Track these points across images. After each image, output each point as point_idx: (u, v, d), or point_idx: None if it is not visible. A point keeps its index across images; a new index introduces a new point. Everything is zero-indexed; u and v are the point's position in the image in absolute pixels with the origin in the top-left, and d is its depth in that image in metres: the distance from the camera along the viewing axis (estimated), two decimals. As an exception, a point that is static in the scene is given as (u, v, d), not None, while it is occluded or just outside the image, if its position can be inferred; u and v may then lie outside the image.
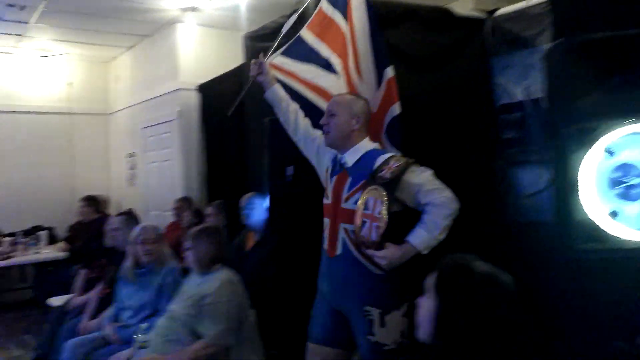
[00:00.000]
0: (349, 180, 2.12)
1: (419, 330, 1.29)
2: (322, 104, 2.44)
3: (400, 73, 2.69)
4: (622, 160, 1.82)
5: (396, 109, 2.39)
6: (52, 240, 5.95)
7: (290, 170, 2.91)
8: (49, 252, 5.49)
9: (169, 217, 5.14)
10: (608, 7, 1.90)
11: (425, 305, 1.27)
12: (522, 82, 2.68)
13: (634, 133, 1.79)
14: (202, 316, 2.48)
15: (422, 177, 1.99)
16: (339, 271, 2.15)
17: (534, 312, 1.53)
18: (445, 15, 2.94)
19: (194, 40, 5.43)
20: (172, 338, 2.52)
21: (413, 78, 2.72)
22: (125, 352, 2.70)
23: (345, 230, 2.11)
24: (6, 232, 5.82)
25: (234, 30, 4.98)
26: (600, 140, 1.80)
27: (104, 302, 3.26)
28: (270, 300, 2.71)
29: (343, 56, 2.54)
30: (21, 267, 5.83)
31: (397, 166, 1.96)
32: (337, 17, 2.60)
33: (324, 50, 2.57)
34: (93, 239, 4.37)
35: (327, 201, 2.22)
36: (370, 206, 1.95)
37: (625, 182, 1.81)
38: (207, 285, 2.53)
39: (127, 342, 2.77)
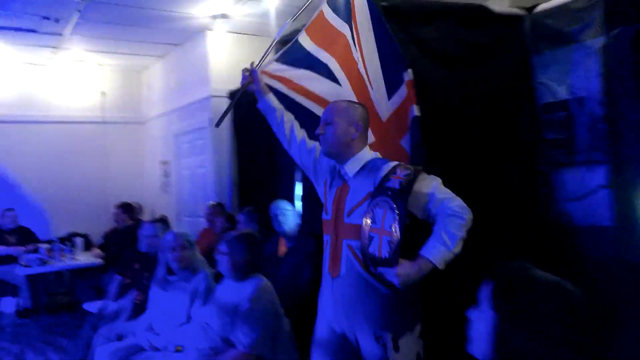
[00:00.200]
0: (351, 192, 1.99)
1: (472, 346, 1.17)
2: (319, 111, 2.35)
3: (434, 72, 2.64)
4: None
5: (415, 111, 2.26)
6: (88, 246, 6.04)
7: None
8: (84, 259, 5.56)
9: (201, 224, 5.15)
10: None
11: (480, 320, 1.15)
12: (566, 80, 2.55)
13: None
14: (237, 325, 2.44)
15: (432, 186, 1.86)
16: (344, 293, 1.97)
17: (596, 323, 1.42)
18: (481, 12, 2.84)
19: (224, 47, 5.44)
20: (205, 346, 2.49)
21: (448, 77, 2.65)
22: (159, 359, 2.68)
23: (350, 247, 1.95)
24: (43, 238, 5.95)
25: (264, 36, 4.98)
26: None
27: (138, 308, 3.26)
28: (305, 307, 2.65)
29: (347, 64, 2.44)
30: (58, 272, 5.92)
31: (406, 175, 1.82)
32: (338, 23, 2.51)
33: (323, 56, 2.47)
34: (127, 245, 4.40)
35: (326, 217, 2.09)
36: (378, 219, 1.80)
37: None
38: (242, 293, 2.48)
39: (161, 349, 2.76)
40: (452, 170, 2.55)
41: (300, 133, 2.27)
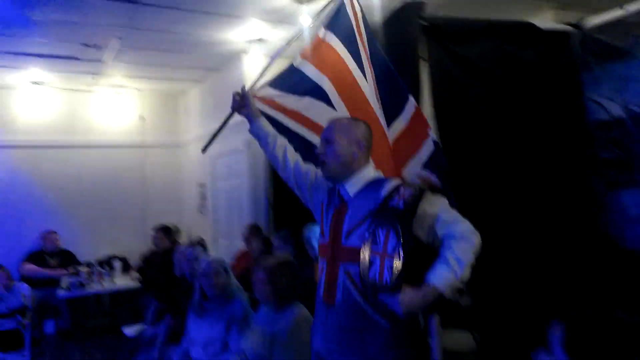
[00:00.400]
0: (350, 212, 1.85)
1: None
2: (313, 138, 2.28)
3: (479, 92, 2.56)
4: None
5: (431, 137, 2.20)
6: (126, 269, 6.08)
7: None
8: (123, 282, 5.59)
9: (238, 246, 5.12)
10: None
11: None
12: (620, 97, 2.41)
13: None
14: (274, 356, 2.35)
15: (438, 207, 1.74)
16: (338, 324, 1.81)
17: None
18: (527, 29, 2.74)
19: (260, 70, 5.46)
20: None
21: (493, 96, 2.55)
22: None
23: (347, 272, 1.80)
24: (83, 261, 6.03)
25: (299, 59, 4.97)
26: None
27: (175, 334, 3.22)
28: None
29: (343, 85, 2.35)
30: (97, 295, 5.99)
31: (411, 194, 1.71)
32: (336, 43, 2.41)
33: (319, 78, 2.38)
34: (164, 269, 4.40)
35: (323, 240, 1.96)
36: (380, 241, 1.66)
37: None
38: (280, 323, 2.40)
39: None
40: (499, 195, 2.47)
41: (294, 157, 2.16)
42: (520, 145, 2.52)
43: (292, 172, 2.13)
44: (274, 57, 2.50)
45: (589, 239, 2.46)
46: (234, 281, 3.03)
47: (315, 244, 3.27)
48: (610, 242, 2.46)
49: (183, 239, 6.57)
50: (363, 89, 2.36)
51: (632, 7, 2.37)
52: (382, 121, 2.28)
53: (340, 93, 2.36)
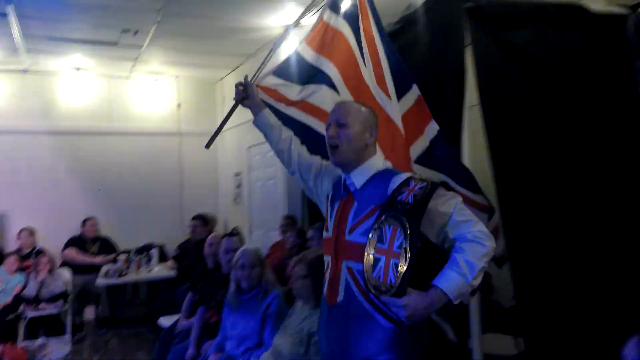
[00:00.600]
0: (355, 206, 1.74)
1: None
2: (319, 126, 2.17)
3: (524, 80, 2.41)
4: None
5: (433, 127, 2.16)
6: (162, 258, 6.10)
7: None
8: (159, 271, 5.62)
9: (273, 237, 5.04)
10: None
11: None
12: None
13: None
14: (310, 354, 2.25)
15: (450, 205, 1.61)
16: (339, 324, 1.72)
17: None
18: (578, 12, 2.51)
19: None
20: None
21: (539, 85, 2.38)
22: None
23: (349, 269, 1.70)
24: (121, 249, 6.10)
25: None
26: None
27: (210, 327, 3.15)
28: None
29: (347, 70, 2.26)
30: (134, 284, 6.05)
31: (421, 188, 1.58)
32: (341, 25, 2.32)
33: (323, 63, 2.28)
34: (200, 259, 4.36)
35: (327, 234, 1.84)
36: (386, 239, 1.54)
37: None
38: (317, 321, 2.28)
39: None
40: (548, 189, 2.29)
41: (299, 149, 2.07)
42: (570, 136, 2.34)
43: (297, 165, 2.05)
44: (276, 45, 2.40)
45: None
46: (270, 274, 2.93)
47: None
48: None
49: (219, 229, 6.57)
50: (363, 74, 2.26)
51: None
52: (389, 109, 2.18)
53: (344, 78, 2.27)
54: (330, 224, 1.83)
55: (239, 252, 2.91)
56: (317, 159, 2.02)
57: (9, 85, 6.18)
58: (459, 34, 2.52)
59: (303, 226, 4.63)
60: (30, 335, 4.93)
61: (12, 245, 5.87)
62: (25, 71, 6.15)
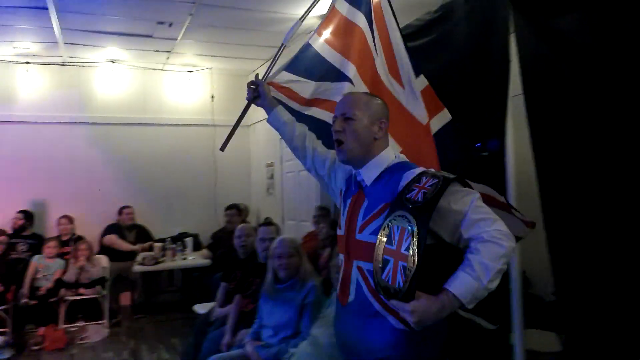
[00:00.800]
0: (366, 202, 1.66)
1: None
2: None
3: (572, 70, 2.32)
4: None
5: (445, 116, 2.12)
6: (197, 246, 6.19)
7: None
8: (194, 259, 5.70)
9: (305, 227, 5.06)
10: None
11: None
12: None
13: None
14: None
15: (465, 202, 1.50)
16: (351, 324, 1.66)
17: None
18: (629, -2, 2.41)
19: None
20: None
21: (588, 76, 2.29)
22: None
23: (360, 269, 1.63)
24: (156, 237, 6.22)
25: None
26: None
27: (246, 315, 3.19)
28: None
29: (362, 61, 2.18)
30: (169, 271, 6.16)
31: (432, 185, 1.47)
32: (358, 17, 2.23)
33: (335, 58, 2.20)
34: (233, 248, 4.41)
35: (340, 232, 1.78)
36: (394, 239, 1.45)
37: None
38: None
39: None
40: (592, 184, 2.22)
41: (313, 144, 2.00)
42: (617, 128, 2.24)
43: (312, 161, 1.98)
44: (286, 39, 2.31)
45: None
46: (307, 264, 2.94)
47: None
48: None
49: (251, 219, 6.63)
50: (375, 62, 2.20)
51: None
52: (402, 98, 2.15)
53: (361, 73, 2.19)
54: (342, 221, 1.76)
55: (276, 241, 2.92)
56: (332, 153, 1.95)
57: (48, 77, 6.32)
58: (503, 21, 2.47)
59: (336, 217, 4.63)
60: (70, 319, 5.09)
61: (51, 231, 6.05)
62: (63, 63, 6.29)
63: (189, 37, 5.48)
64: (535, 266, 2.72)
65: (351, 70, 2.20)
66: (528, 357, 2.43)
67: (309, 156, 1.98)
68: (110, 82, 6.54)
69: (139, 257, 5.52)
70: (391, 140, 2.09)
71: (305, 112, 2.17)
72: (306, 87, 2.18)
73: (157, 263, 5.33)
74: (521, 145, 2.45)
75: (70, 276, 5.18)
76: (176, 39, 5.54)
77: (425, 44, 2.88)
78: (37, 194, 6.15)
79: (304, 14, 2.35)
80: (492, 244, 1.42)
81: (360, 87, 2.19)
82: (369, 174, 1.69)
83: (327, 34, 2.24)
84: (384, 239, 1.48)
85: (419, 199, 1.45)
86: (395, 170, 1.65)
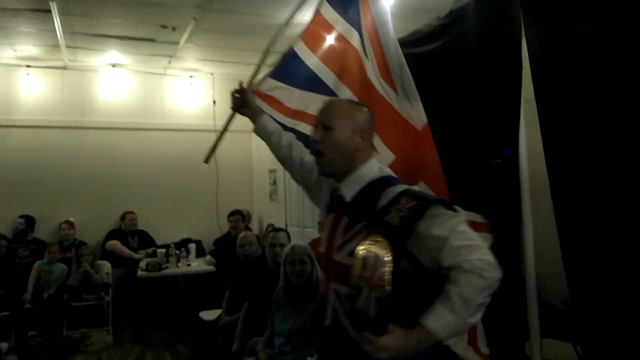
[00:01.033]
0: (346, 221, 1.52)
1: None
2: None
3: (588, 78, 2.28)
4: None
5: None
6: (200, 252, 6.16)
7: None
8: (198, 265, 5.67)
9: (309, 234, 5.03)
10: None
11: None
12: None
13: None
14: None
15: (447, 227, 1.35)
16: (330, 346, 1.56)
17: None
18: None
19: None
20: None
21: (604, 84, 2.28)
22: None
23: (337, 292, 1.50)
24: (158, 243, 6.18)
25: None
26: None
27: (256, 323, 3.16)
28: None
29: (348, 71, 2.14)
30: (173, 277, 6.12)
31: (410, 208, 1.35)
32: (340, 22, 2.18)
33: (319, 68, 2.14)
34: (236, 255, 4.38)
35: (322, 249, 1.65)
36: (369, 265, 1.32)
37: None
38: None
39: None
40: (606, 193, 2.20)
41: (300, 153, 1.88)
42: (630, 134, 2.23)
43: (299, 172, 1.86)
44: (270, 45, 2.25)
45: None
46: (320, 271, 2.92)
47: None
48: None
49: (254, 226, 6.60)
50: (365, 68, 2.15)
51: None
52: (396, 103, 2.10)
53: (344, 80, 2.14)
54: (324, 237, 1.63)
55: (288, 248, 2.91)
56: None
57: (49, 81, 6.29)
58: (514, 26, 2.46)
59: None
60: (73, 325, 5.05)
61: (53, 237, 5.98)
62: (64, 67, 6.26)
63: (191, 41, 5.46)
64: (546, 272, 2.71)
65: (330, 78, 2.14)
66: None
67: (296, 166, 1.87)
68: (112, 86, 6.52)
69: (143, 263, 5.48)
70: (384, 149, 2.08)
71: (290, 126, 2.09)
72: (291, 95, 2.12)
73: (161, 269, 5.29)
74: (535, 152, 2.44)
75: (73, 282, 5.14)
76: (179, 44, 5.52)
77: (435, 49, 2.88)
78: (38, 199, 6.11)
79: (287, 19, 2.29)
80: (474, 275, 1.29)
81: (346, 95, 2.14)
82: (349, 189, 1.56)
83: (310, 39, 2.19)
84: (359, 264, 1.35)
85: (396, 223, 1.33)
86: (377, 185, 1.51)
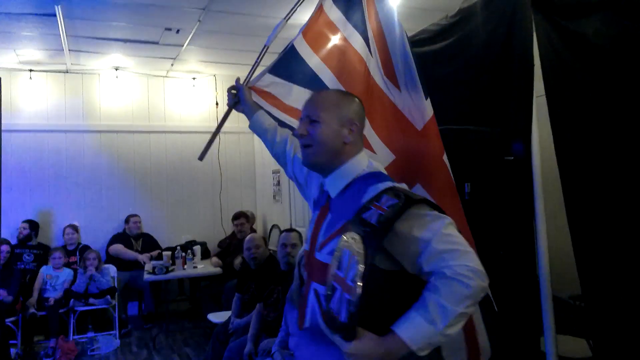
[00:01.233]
0: (329, 217, 1.46)
1: None
2: None
3: (594, 75, 2.30)
4: None
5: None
6: (205, 255, 6.15)
7: (467, 187, 2.60)
8: (204, 267, 5.66)
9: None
10: None
11: None
12: None
13: None
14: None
15: (430, 229, 1.26)
16: (307, 351, 1.47)
17: None
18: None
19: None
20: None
21: (610, 80, 2.28)
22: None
23: (316, 292, 1.41)
24: (163, 245, 6.16)
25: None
26: None
27: (269, 325, 3.15)
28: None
29: (346, 69, 2.11)
30: (178, 280, 6.10)
31: (390, 206, 1.25)
32: (340, 19, 2.15)
33: (317, 65, 2.10)
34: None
35: (305, 246, 1.58)
36: (344, 266, 1.23)
37: None
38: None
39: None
40: (617, 189, 2.21)
41: (294, 149, 1.81)
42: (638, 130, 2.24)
43: (292, 168, 1.80)
44: (269, 41, 2.22)
45: None
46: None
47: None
48: None
49: (257, 227, 6.59)
50: (368, 65, 2.12)
51: None
52: (398, 101, 2.07)
53: (340, 78, 2.11)
54: (308, 234, 1.55)
55: (302, 249, 2.89)
56: None
57: (52, 85, 6.28)
58: (525, 23, 2.45)
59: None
60: (79, 329, 5.03)
61: (56, 241, 5.99)
62: (66, 71, 6.25)
63: (194, 43, 5.45)
64: (555, 268, 2.71)
65: (329, 78, 2.11)
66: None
67: (289, 163, 1.81)
68: (114, 89, 6.51)
69: (149, 267, 5.47)
70: (384, 149, 2.07)
71: (286, 122, 2.05)
72: (288, 91, 2.08)
73: (167, 272, 5.28)
74: (548, 148, 2.44)
75: (79, 286, 5.13)
76: (182, 46, 5.51)
77: (443, 47, 2.88)
78: (41, 204, 6.09)
79: (288, 14, 2.26)
80: (455, 283, 1.20)
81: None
82: (334, 185, 1.48)
83: (311, 37, 2.15)
84: (335, 263, 1.27)
85: (373, 222, 1.23)
86: (363, 181, 1.42)
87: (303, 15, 2.30)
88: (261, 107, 2.03)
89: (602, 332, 2.31)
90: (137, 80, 6.64)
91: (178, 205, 6.67)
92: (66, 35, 5.02)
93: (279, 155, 1.88)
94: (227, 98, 2.09)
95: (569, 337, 2.68)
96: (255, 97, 2.08)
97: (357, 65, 2.14)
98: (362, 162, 1.48)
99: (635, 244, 2.19)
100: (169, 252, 5.53)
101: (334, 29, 2.18)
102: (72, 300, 5.02)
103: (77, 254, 5.69)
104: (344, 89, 2.03)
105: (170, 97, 6.83)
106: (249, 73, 2.14)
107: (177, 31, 5.05)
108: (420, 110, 2.07)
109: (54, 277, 5.21)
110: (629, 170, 2.22)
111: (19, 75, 6.08)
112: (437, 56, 2.85)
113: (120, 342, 5.02)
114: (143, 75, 6.61)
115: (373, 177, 1.43)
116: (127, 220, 6.13)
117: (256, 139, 7.11)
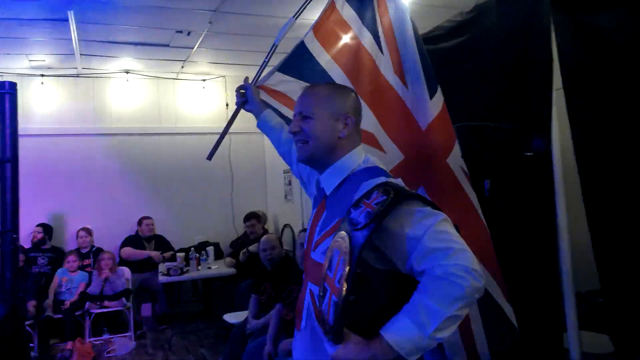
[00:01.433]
0: (324, 215, 1.42)
1: None
2: None
3: (611, 70, 2.27)
4: None
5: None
6: (218, 255, 6.16)
7: (487, 184, 2.59)
8: (218, 268, 5.66)
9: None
10: None
11: None
12: None
13: None
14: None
15: (421, 226, 1.20)
16: (304, 351, 1.42)
17: None
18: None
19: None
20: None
21: (627, 69, 2.26)
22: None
23: (311, 292, 1.37)
24: (175, 247, 6.18)
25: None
26: None
27: (288, 325, 3.15)
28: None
29: (355, 66, 2.10)
30: (192, 281, 6.11)
31: (379, 203, 1.19)
32: (351, 15, 2.14)
33: (327, 63, 2.09)
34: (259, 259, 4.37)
35: (305, 245, 1.56)
36: (333, 266, 1.19)
37: None
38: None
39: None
40: (631, 183, 2.19)
41: None
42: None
43: (297, 166, 1.77)
44: (278, 39, 2.20)
45: None
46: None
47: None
48: None
49: (269, 227, 6.60)
50: (377, 62, 2.10)
51: None
52: (412, 106, 2.05)
53: (351, 78, 2.10)
54: (306, 233, 1.52)
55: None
56: None
57: (63, 90, 6.31)
58: (543, 17, 2.44)
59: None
60: (94, 332, 5.05)
61: (70, 244, 6.02)
62: (77, 75, 6.28)
63: (204, 45, 5.47)
64: (576, 263, 2.69)
65: (337, 73, 2.10)
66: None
67: (294, 161, 1.77)
68: (125, 92, 6.54)
69: (163, 268, 5.49)
70: (394, 148, 2.06)
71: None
72: (297, 88, 2.02)
73: (181, 273, 5.29)
74: (568, 143, 2.42)
75: (94, 288, 5.15)
76: (192, 48, 5.53)
77: (460, 44, 2.86)
78: (55, 207, 6.13)
79: (297, 13, 2.24)
80: (445, 283, 1.13)
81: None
82: (329, 181, 1.43)
83: (322, 35, 2.14)
84: (327, 263, 1.23)
85: (361, 220, 1.18)
86: (359, 177, 1.37)
87: (312, 14, 2.29)
88: (269, 106, 2.03)
89: (622, 328, 2.30)
90: (147, 83, 6.66)
91: (190, 207, 6.68)
92: (78, 40, 5.04)
93: (285, 154, 1.87)
94: (235, 98, 2.09)
95: (588, 333, 2.67)
96: (265, 96, 2.08)
97: (367, 64, 2.13)
98: (358, 158, 1.44)
99: None
100: (183, 254, 5.54)
101: (346, 27, 2.17)
102: (87, 302, 5.04)
103: (91, 256, 5.71)
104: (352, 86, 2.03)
105: (180, 99, 6.85)
106: (258, 72, 2.14)
107: (188, 33, 5.07)
108: (424, 110, 2.06)
109: (69, 280, 5.24)
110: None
111: (31, 81, 6.11)
112: (454, 53, 2.84)
113: (136, 344, 5.03)
114: (153, 78, 6.63)
115: (367, 172, 1.38)
116: (139, 222, 6.15)
117: (266, 139, 7.08)
